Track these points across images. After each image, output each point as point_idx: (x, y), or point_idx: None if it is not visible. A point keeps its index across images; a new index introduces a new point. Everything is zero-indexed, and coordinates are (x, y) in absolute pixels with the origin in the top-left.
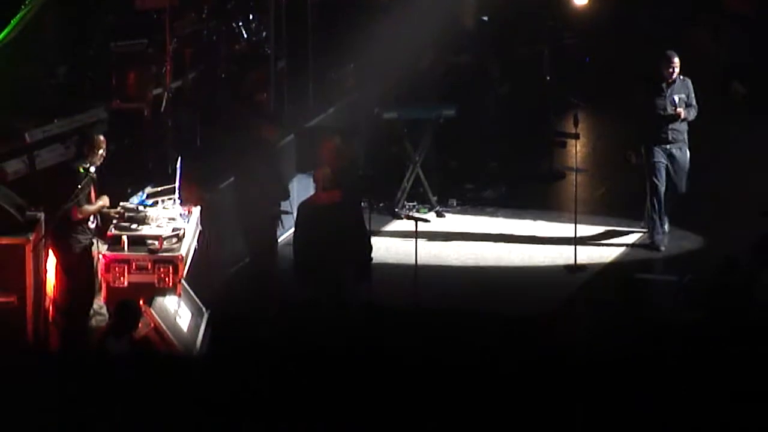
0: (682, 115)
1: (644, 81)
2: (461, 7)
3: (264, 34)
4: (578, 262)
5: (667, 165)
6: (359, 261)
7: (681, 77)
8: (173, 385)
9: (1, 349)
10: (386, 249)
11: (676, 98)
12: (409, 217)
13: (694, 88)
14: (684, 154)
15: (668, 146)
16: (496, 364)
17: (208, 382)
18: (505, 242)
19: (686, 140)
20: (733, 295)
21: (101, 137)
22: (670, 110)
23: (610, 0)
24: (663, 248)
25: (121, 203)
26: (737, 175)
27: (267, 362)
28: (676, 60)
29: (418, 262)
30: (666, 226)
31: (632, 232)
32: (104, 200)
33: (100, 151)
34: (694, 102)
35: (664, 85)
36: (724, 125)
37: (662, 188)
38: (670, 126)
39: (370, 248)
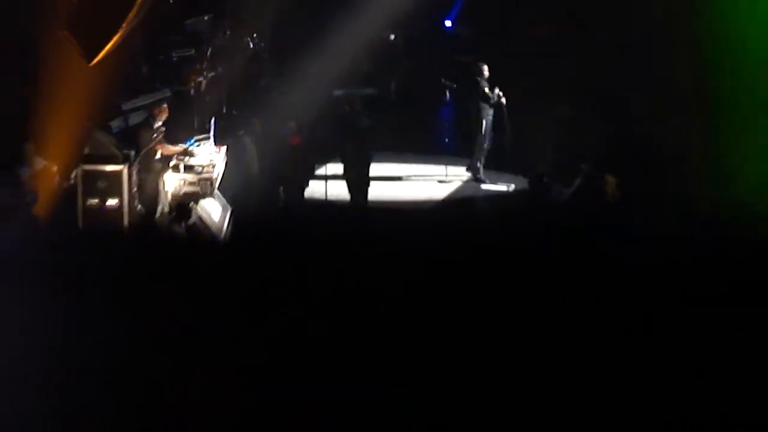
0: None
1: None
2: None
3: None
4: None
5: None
6: (304, 178)
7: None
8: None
9: (108, 235)
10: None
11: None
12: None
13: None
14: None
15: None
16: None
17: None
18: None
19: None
20: (543, 198)
21: (165, 105)
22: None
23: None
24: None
25: (180, 145)
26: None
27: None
28: (486, 67)
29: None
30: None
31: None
32: (183, 146)
33: (165, 114)
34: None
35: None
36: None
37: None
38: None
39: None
